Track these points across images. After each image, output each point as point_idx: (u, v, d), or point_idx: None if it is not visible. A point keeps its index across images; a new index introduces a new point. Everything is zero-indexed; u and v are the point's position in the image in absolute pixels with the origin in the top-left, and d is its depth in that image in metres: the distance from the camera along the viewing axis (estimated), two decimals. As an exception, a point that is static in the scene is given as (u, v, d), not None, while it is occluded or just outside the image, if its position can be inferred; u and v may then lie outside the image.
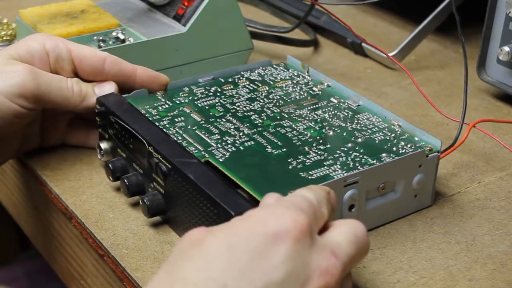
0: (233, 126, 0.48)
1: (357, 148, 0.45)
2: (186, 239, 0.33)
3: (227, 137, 0.47)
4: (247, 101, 0.51)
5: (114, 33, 0.57)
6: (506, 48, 0.57)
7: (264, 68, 0.56)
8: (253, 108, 0.50)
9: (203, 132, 0.47)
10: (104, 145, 0.49)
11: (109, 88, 0.50)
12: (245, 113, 0.50)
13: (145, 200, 0.44)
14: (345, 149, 0.45)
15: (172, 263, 0.32)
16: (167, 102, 0.51)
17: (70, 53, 0.49)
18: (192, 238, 0.33)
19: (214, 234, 0.32)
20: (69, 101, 0.48)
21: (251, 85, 0.54)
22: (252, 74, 0.55)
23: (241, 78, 0.55)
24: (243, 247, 0.31)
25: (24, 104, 0.46)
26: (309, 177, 0.43)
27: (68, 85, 0.48)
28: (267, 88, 0.53)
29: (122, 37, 0.57)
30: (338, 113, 0.50)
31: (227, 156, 0.45)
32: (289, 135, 0.47)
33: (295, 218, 0.32)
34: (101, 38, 0.57)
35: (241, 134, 0.47)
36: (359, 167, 0.43)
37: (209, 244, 0.32)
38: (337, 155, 0.45)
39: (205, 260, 0.31)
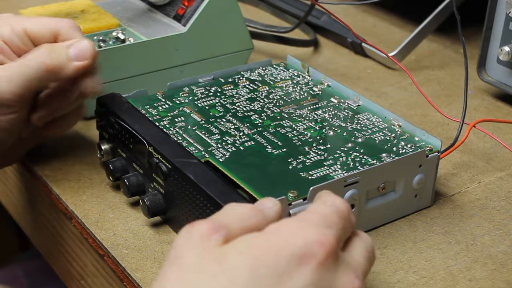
0: (233, 126, 0.48)
1: (357, 148, 0.45)
2: (195, 234, 0.32)
3: (227, 137, 0.47)
4: (247, 101, 0.51)
5: (114, 33, 0.57)
6: (506, 48, 0.57)
7: (264, 68, 0.56)
8: (253, 108, 0.50)
9: (203, 132, 0.47)
10: (104, 145, 0.49)
11: (86, 46, 0.46)
12: (245, 113, 0.50)
13: (145, 200, 0.44)
14: (345, 149, 0.45)
15: (185, 270, 0.31)
16: (167, 102, 0.51)
17: (26, 33, 0.47)
18: (203, 235, 0.32)
19: (238, 251, 0.31)
20: (42, 80, 0.45)
21: (251, 85, 0.54)
22: (252, 74, 0.55)
23: (241, 78, 0.54)
24: (268, 271, 0.30)
25: (3, 112, 0.45)
26: (309, 177, 0.43)
27: (32, 65, 0.45)
28: (267, 88, 0.53)
29: (122, 37, 0.57)
30: (338, 113, 0.50)
31: (227, 156, 0.45)
32: (289, 135, 0.47)
33: (323, 240, 0.32)
34: (101, 38, 0.57)
35: (241, 134, 0.47)
36: (359, 167, 0.43)
37: (233, 264, 0.30)
38: (337, 155, 0.45)
39: (228, 282, 0.30)
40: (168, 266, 0.32)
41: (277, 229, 0.32)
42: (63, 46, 0.46)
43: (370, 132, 0.47)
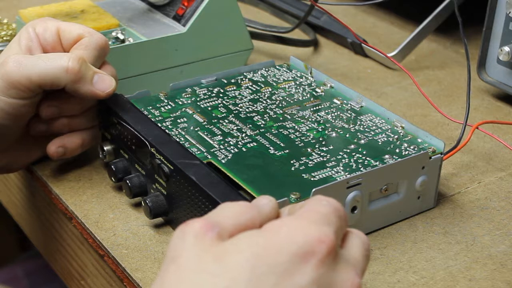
0: (235, 127, 0.48)
1: (359, 150, 0.45)
2: (189, 233, 0.32)
3: (229, 138, 0.47)
4: (249, 102, 0.51)
5: (114, 33, 0.57)
6: (506, 48, 0.57)
7: (267, 69, 0.56)
8: (255, 109, 0.50)
9: (205, 133, 0.47)
10: (106, 146, 0.49)
11: (109, 83, 0.48)
12: (248, 114, 0.50)
13: (148, 201, 0.44)
14: (348, 150, 0.45)
15: (184, 269, 0.31)
16: (170, 103, 0.51)
17: (59, 32, 0.49)
18: (198, 234, 0.31)
19: (239, 249, 0.31)
20: (59, 79, 0.46)
21: (254, 86, 0.53)
22: (255, 75, 0.55)
23: (244, 79, 0.54)
24: (269, 269, 0.30)
25: (14, 94, 0.46)
26: (312, 179, 0.43)
27: (62, 62, 0.46)
28: (270, 89, 0.53)
29: (122, 37, 0.57)
30: (341, 114, 0.50)
31: (229, 157, 0.45)
32: (292, 137, 0.47)
33: (323, 237, 0.31)
34: (101, 38, 0.57)
35: (243, 135, 0.47)
36: (362, 169, 0.43)
37: (234, 263, 0.30)
38: (339, 157, 0.45)
39: (229, 281, 0.30)
40: (165, 267, 0.32)
41: (277, 227, 0.32)
42: (92, 69, 0.47)
43: (373, 133, 0.47)
